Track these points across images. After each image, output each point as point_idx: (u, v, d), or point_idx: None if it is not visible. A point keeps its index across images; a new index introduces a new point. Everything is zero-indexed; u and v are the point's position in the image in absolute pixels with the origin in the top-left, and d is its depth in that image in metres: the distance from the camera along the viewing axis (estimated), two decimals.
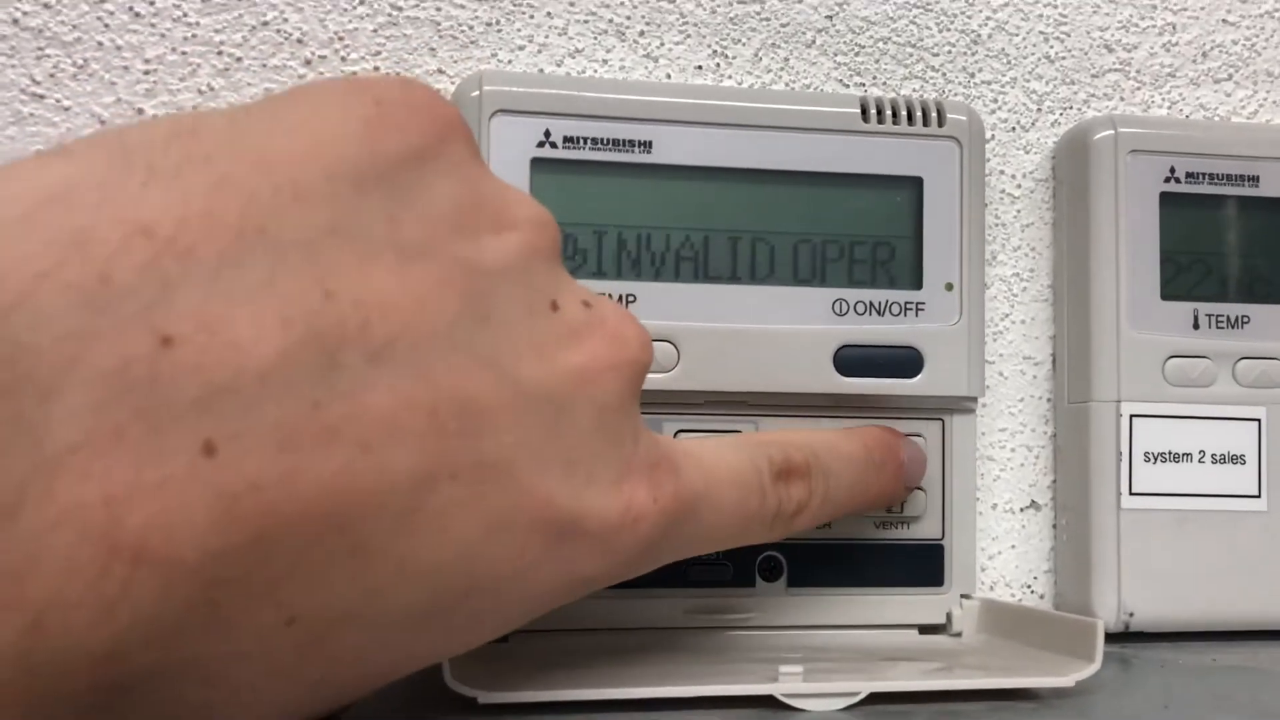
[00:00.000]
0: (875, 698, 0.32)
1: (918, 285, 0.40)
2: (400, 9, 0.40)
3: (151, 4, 0.39)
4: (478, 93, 0.38)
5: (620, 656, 0.36)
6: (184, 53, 0.39)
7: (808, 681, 0.32)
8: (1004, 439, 0.44)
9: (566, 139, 0.38)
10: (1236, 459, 0.42)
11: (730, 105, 0.39)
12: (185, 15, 0.39)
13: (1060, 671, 0.33)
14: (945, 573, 0.40)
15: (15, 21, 0.38)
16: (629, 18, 0.42)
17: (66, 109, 0.38)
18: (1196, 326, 0.42)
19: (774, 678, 0.33)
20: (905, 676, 0.33)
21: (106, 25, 0.38)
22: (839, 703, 0.32)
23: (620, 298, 0.38)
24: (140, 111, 0.38)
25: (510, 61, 0.41)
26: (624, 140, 0.38)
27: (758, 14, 0.43)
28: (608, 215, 0.38)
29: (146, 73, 0.39)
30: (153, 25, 0.39)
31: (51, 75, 0.38)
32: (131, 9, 0.39)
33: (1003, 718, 0.31)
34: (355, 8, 0.40)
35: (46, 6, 0.38)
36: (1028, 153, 0.44)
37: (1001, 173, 0.44)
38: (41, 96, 0.38)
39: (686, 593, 0.38)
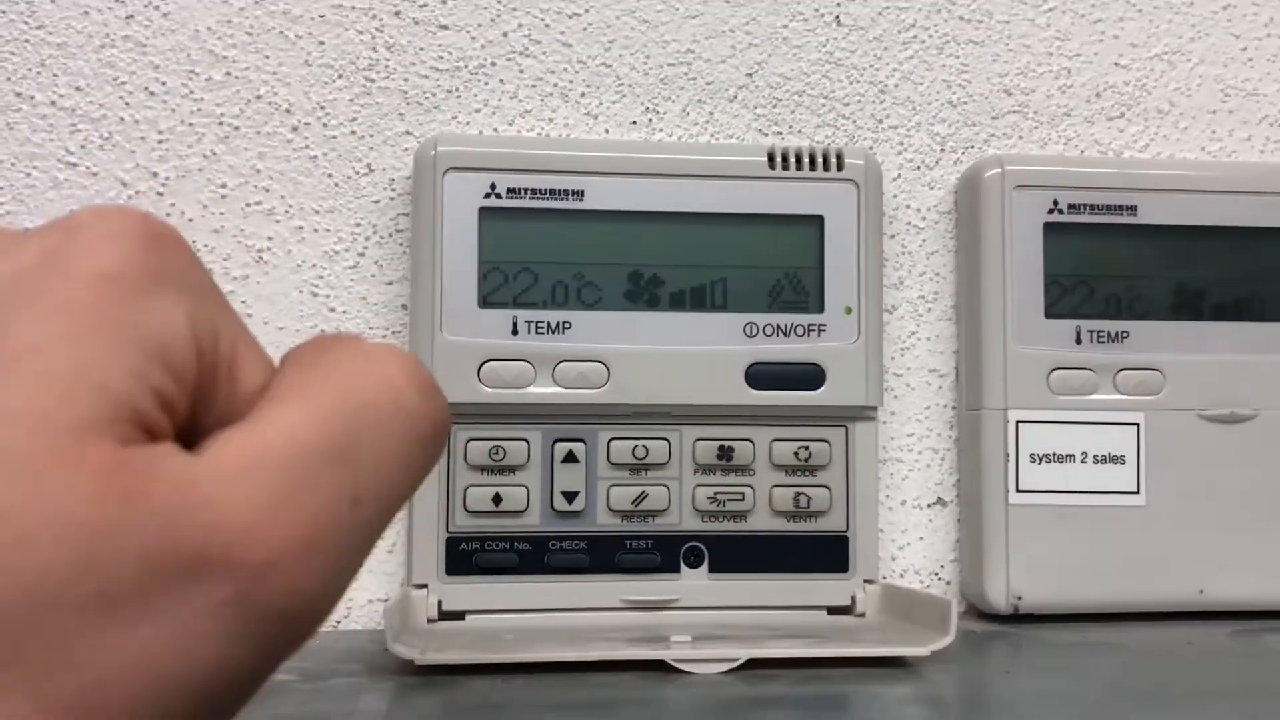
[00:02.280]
0: (754, 663, 0.38)
1: (820, 309, 0.46)
2: (373, 80, 0.47)
3: (163, 84, 0.46)
4: (433, 153, 0.44)
5: (557, 633, 0.42)
6: (190, 124, 0.46)
7: (694, 648, 0.38)
8: (912, 442, 0.49)
9: (510, 190, 0.45)
10: (1117, 459, 0.47)
11: (651, 157, 0.45)
12: (191, 92, 0.46)
13: (920, 643, 0.38)
14: (850, 561, 0.46)
15: (53, 103, 0.46)
16: (571, 81, 0.48)
17: (95, 174, 0.46)
18: (1079, 341, 0.47)
19: (667, 646, 0.39)
20: (784, 646, 0.39)
21: (127, 103, 0.46)
22: (720, 666, 0.38)
23: (558, 325, 0.44)
24: (155, 175, 0.46)
25: (469, 123, 0.48)
26: (559, 189, 0.45)
27: (685, 74, 0.49)
28: (546, 254, 0.45)
29: (160, 142, 0.46)
30: (164, 101, 0.46)
31: (82, 146, 0.46)
32: (147, 89, 0.46)
33: (862, 681, 0.37)
34: (334, 81, 0.47)
35: (78, 89, 0.46)
36: (932, 189, 0.50)
37: (908, 207, 0.50)
38: (74, 164, 0.46)
39: (619, 578, 0.45)
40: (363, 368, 0.19)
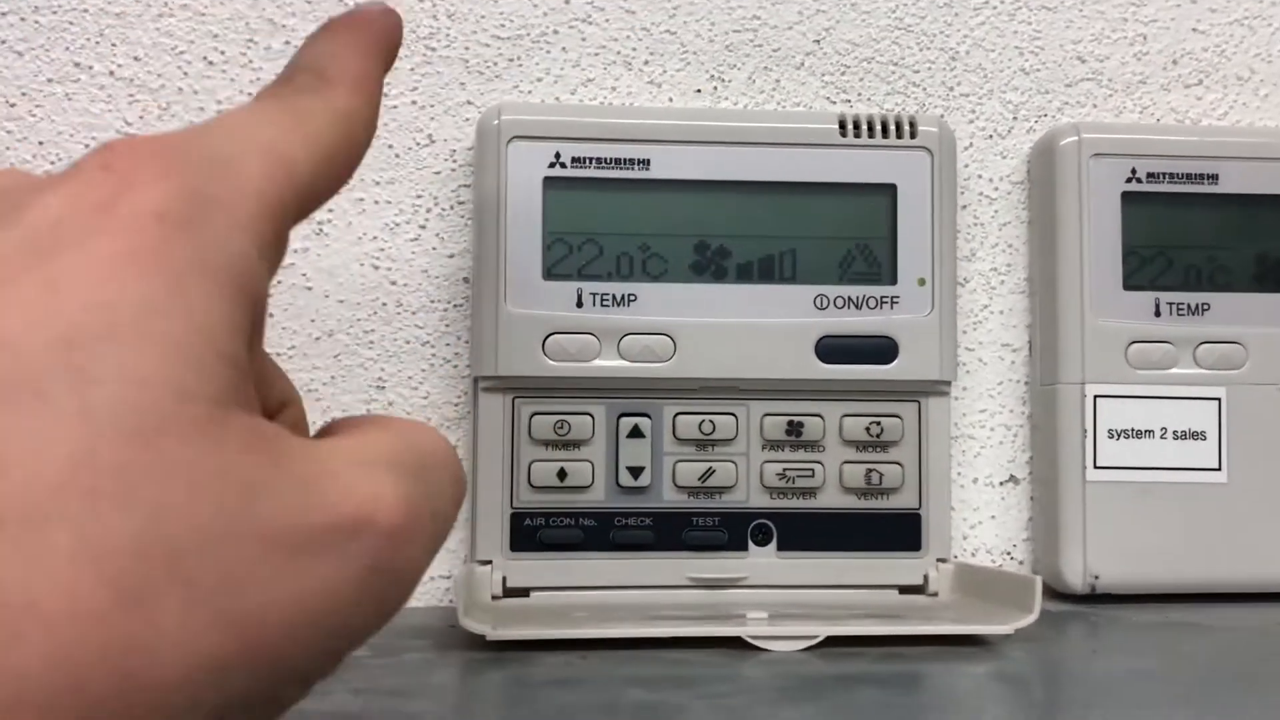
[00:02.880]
0: (832, 641, 0.37)
1: (893, 281, 0.44)
2: (434, 49, 0.46)
3: (222, 53, 0.45)
4: (497, 122, 0.43)
5: (623, 610, 0.41)
6: (250, 94, 0.45)
7: (771, 625, 0.37)
8: (984, 419, 0.48)
9: (574, 159, 0.44)
10: (1198, 435, 0.45)
11: (719, 125, 0.44)
12: (250, 61, 0.45)
13: (1004, 621, 0.37)
14: (922, 539, 0.45)
15: (111, 73, 0.45)
16: (634, 49, 0.47)
17: None
18: (1158, 314, 0.45)
19: (744, 623, 0.38)
20: (863, 624, 0.38)
21: (185, 73, 0.45)
22: (798, 644, 0.37)
23: (623, 298, 0.43)
24: None
25: (530, 92, 0.47)
26: (624, 159, 0.44)
27: (751, 40, 0.48)
28: (611, 225, 0.44)
29: (219, 112, 0.45)
30: (224, 71, 0.45)
31: (141, 117, 0.45)
32: (206, 58, 0.45)
33: (944, 660, 0.36)
34: None
35: (136, 59, 0.45)
36: (1004, 158, 0.48)
37: (980, 176, 0.48)
38: (133, 135, 0.45)
39: (685, 556, 0.44)
40: (418, 429, 0.22)
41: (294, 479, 0.18)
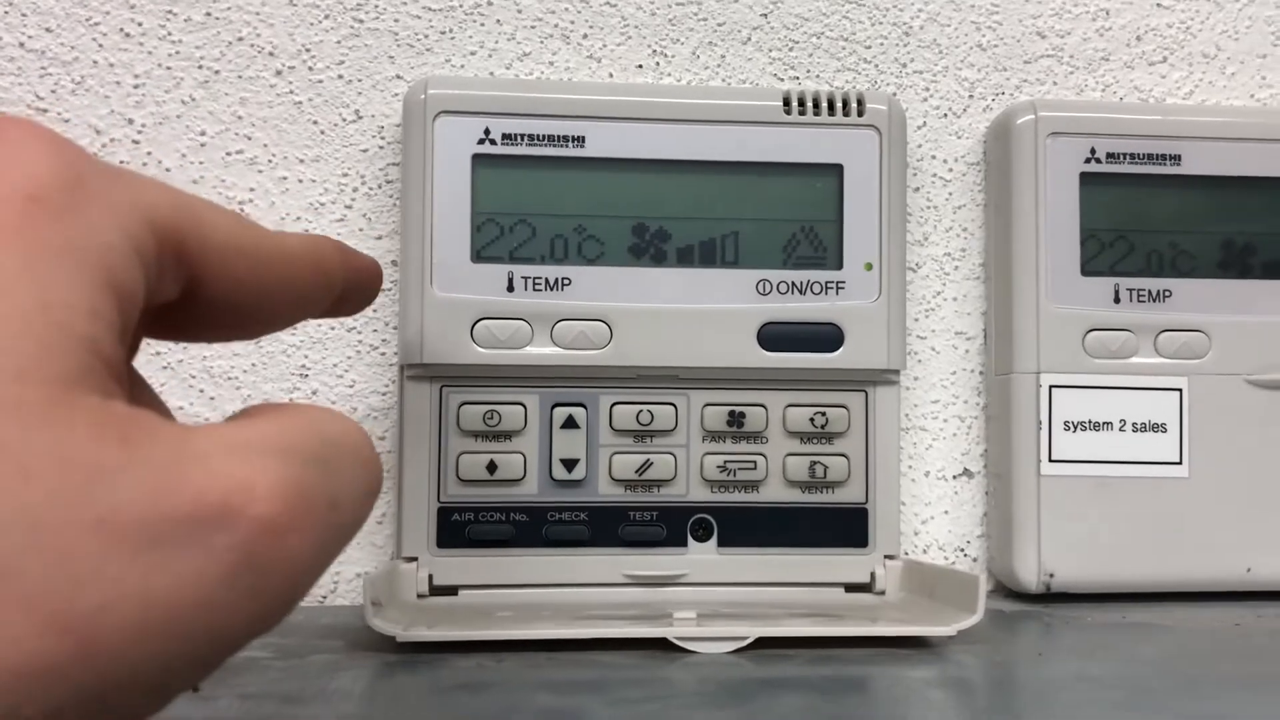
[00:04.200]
0: (764, 643, 0.35)
1: (839, 266, 0.42)
2: (361, 21, 0.44)
3: (139, 25, 0.43)
4: (423, 96, 0.41)
5: (554, 609, 0.39)
6: (168, 68, 0.43)
7: (699, 625, 0.36)
8: (937, 410, 0.46)
9: (505, 136, 0.42)
10: (1158, 427, 0.43)
11: (658, 101, 0.42)
12: (170, 34, 0.43)
13: (944, 622, 0.35)
14: (869, 535, 0.43)
15: (21, 45, 0.43)
16: (573, 21, 0.45)
17: (67, 121, 0.43)
18: (1117, 300, 0.44)
19: (670, 623, 0.36)
20: (796, 625, 0.36)
21: (100, 45, 0.43)
22: (727, 646, 0.35)
23: (557, 281, 0.41)
24: (130, 122, 0.43)
25: (463, 66, 0.45)
26: (558, 136, 0.42)
27: (695, 14, 0.46)
28: (544, 205, 0.42)
29: (136, 87, 0.43)
30: (140, 44, 0.43)
31: (53, 91, 0.43)
32: (122, 30, 0.43)
33: (881, 663, 0.34)
34: (320, 22, 0.44)
35: (48, 30, 0.43)
36: (959, 138, 0.46)
37: (934, 157, 0.46)
38: (45, 110, 0.43)
39: (622, 552, 0.42)
40: (328, 415, 0.20)
41: (149, 464, 0.16)
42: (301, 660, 0.34)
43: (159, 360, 0.43)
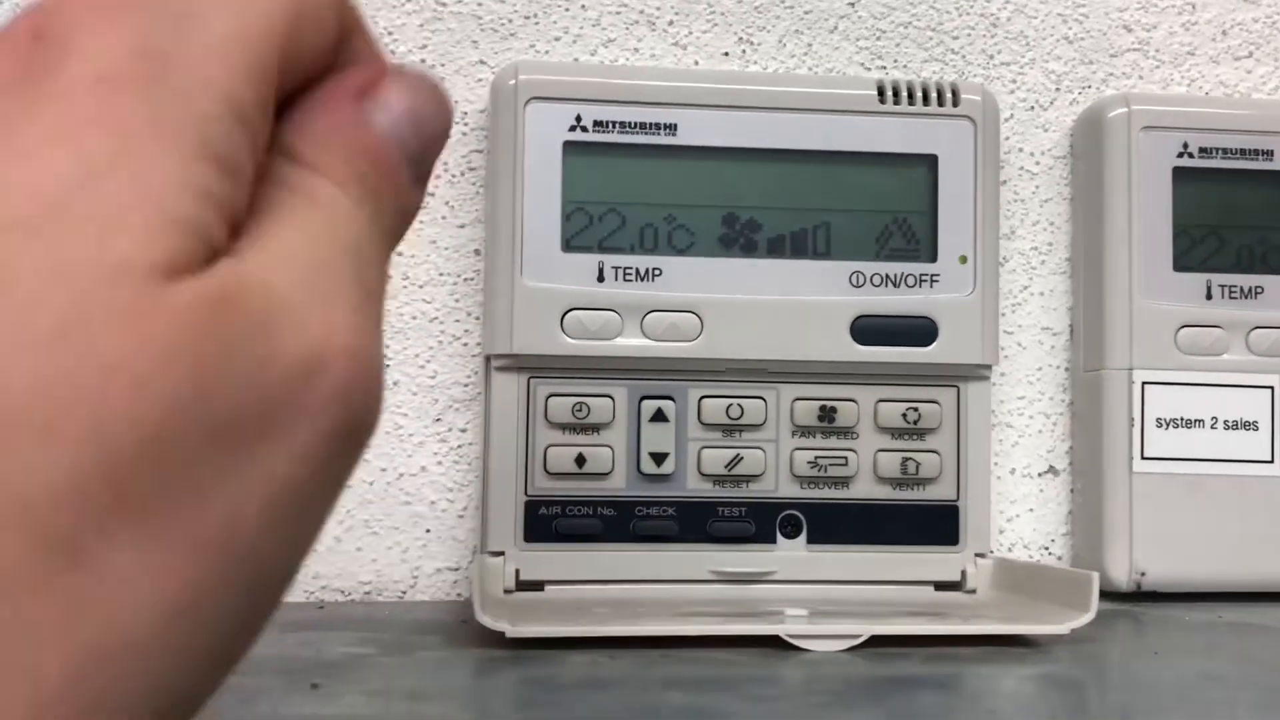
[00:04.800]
0: (876, 640, 0.34)
1: (933, 258, 0.42)
2: (444, 4, 0.43)
3: None
4: (514, 81, 0.40)
5: (644, 605, 0.39)
6: None
7: (812, 623, 0.35)
8: (1022, 406, 0.45)
9: (596, 123, 0.41)
10: (1249, 425, 0.43)
11: (751, 89, 0.42)
12: None
13: (1056, 620, 0.35)
14: (960, 532, 0.42)
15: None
16: (659, 8, 0.44)
17: None
18: (1209, 297, 0.43)
19: (782, 620, 0.35)
20: (907, 623, 0.36)
21: None
22: (841, 644, 0.34)
23: (647, 272, 0.40)
24: None
25: (547, 52, 0.44)
26: (650, 123, 0.41)
27: (781, 2, 0.45)
28: (635, 194, 0.41)
29: None
30: None
31: None
32: None
33: (997, 662, 0.33)
34: (403, 4, 0.43)
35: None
36: (1046, 131, 0.46)
37: (1020, 150, 0.46)
38: None
39: (710, 548, 0.41)
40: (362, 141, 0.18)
41: (249, 333, 0.15)
42: (411, 656, 0.33)
43: None
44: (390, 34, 0.43)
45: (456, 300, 0.43)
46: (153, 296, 0.14)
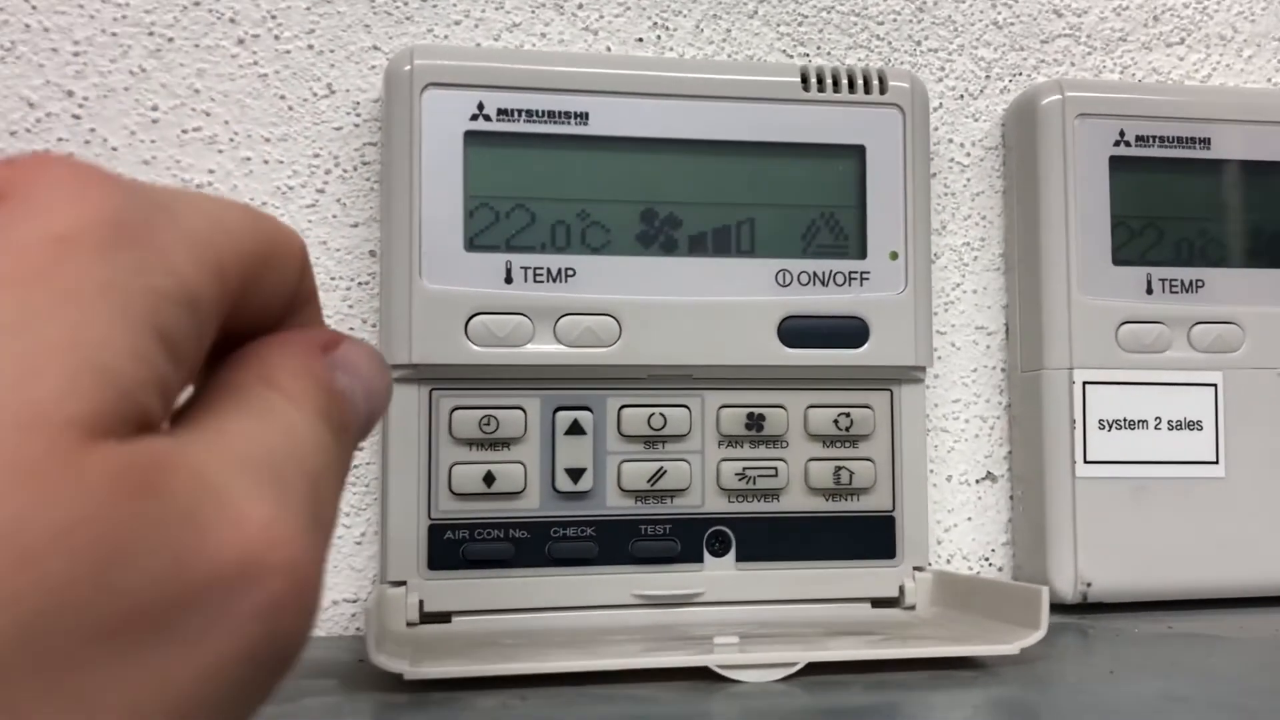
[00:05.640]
0: (813, 668, 0.31)
1: (862, 255, 0.39)
2: None
3: None
4: (409, 67, 0.37)
5: (561, 635, 0.35)
6: (114, 34, 0.38)
7: (744, 652, 0.32)
8: (958, 410, 0.43)
9: (500, 111, 0.38)
10: (1194, 425, 0.41)
11: (668, 76, 0.39)
12: None
13: (1005, 639, 0.32)
14: (897, 545, 0.39)
15: None
16: None
17: None
18: (1150, 291, 0.41)
19: (710, 650, 0.32)
20: (846, 647, 0.33)
21: (34, 7, 0.38)
22: (776, 673, 0.31)
23: (559, 272, 0.37)
24: (70, 94, 0.38)
25: (446, 37, 0.40)
26: (559, 112, 0.38)
27: None
28: (544, 188, 0.38)
29: (76, 54, 0.38)
30: (81, 6, 0.38)
31: None
32: None
33: (943, 687, 0.31)
34: None
35: None
36: (976, 120, 0.44)
37: (950, 141, 0.44)
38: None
39: (633, 570, 0.38)
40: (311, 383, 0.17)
41: (170, 518, 0.13)
42: (296, 704, 0.29)
43: None
44: (274, 18, 0.39)
45: (350, 306, 0.39)
46: (66, 454, 0.13)
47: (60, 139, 0.38)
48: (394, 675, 0.29)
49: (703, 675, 0.31)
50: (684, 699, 0.29)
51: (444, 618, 0.37)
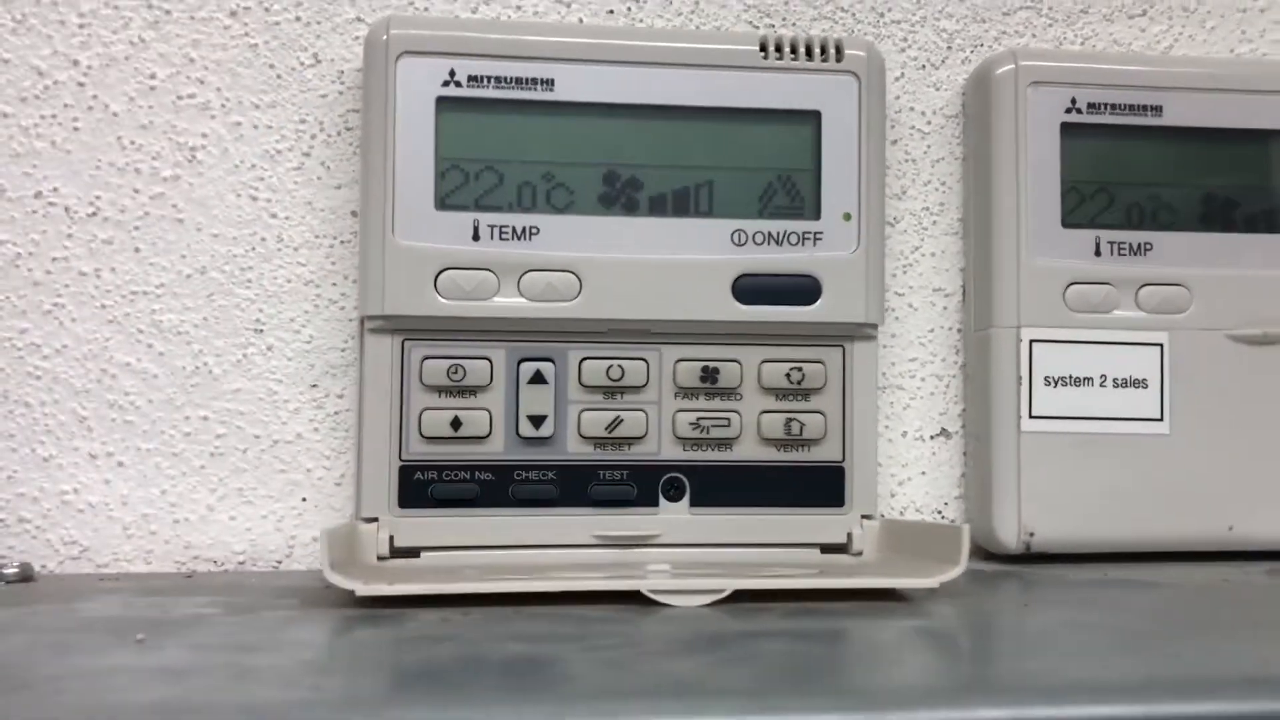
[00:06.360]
0: (742, 597, 0.33)
1: (816, 216, 0.41)
2: None
3: None
4: (385, 36, 0.39)
5: (521, 570, 0.38)
6: (116, 6, 0.41)
7: (674, 579, 0.34)
8: (914, 368, 0.45)
9: (471, 78, 0.40)
10: (1139, 383, 0.42)
11: (631, 44, 0.41)
12: None
13: (927, 574, 0.34)
14: (846, 494, 0.41)
15: None
16: None
17: (6, 61, 0.41)
18: (1098, 254, 0.43)
19: (644, 576, 0.34)
20: (773, 578, 0.35)
21: None
22: (703, 599, 0.33)
23: (524, 231, 0.40)
24: (75, 63, 0.41)
25: (426, 8, 0.43)
26: (526, 78, 0.40)
27: None
28: (511, 151, 0.40)
29: (81, 26, 0.41)
30: None
31: None
32: None
33: (864, 615, 0.33)
34: None
35: None
36: (938, 90, 0.45)
37: (911, 109, 0.45)
38: None
39: (591, 512, 0.40)
40: None
41: None
42: (255, 615, 0.32)
43: (104, 314, 0.41)
44: None
45: (333, 263, 0.42)
46: None
47: (66, 104, 0.41)
48: (348, 593, 0.32)
49: (640, 601, 0.33)
50: (615, 619, 0.32)
51: (414, 553, 0.39)
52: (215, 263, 0.41)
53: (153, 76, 0.41)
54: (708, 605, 0.33)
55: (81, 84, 0.41)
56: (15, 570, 0.38)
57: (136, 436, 0.41)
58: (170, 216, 0.41)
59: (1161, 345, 0.43)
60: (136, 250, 0.41)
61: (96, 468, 0.40)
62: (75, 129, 0.41)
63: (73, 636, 0.29)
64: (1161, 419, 0.42)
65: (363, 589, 0.32)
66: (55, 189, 0.41)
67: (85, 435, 0.41)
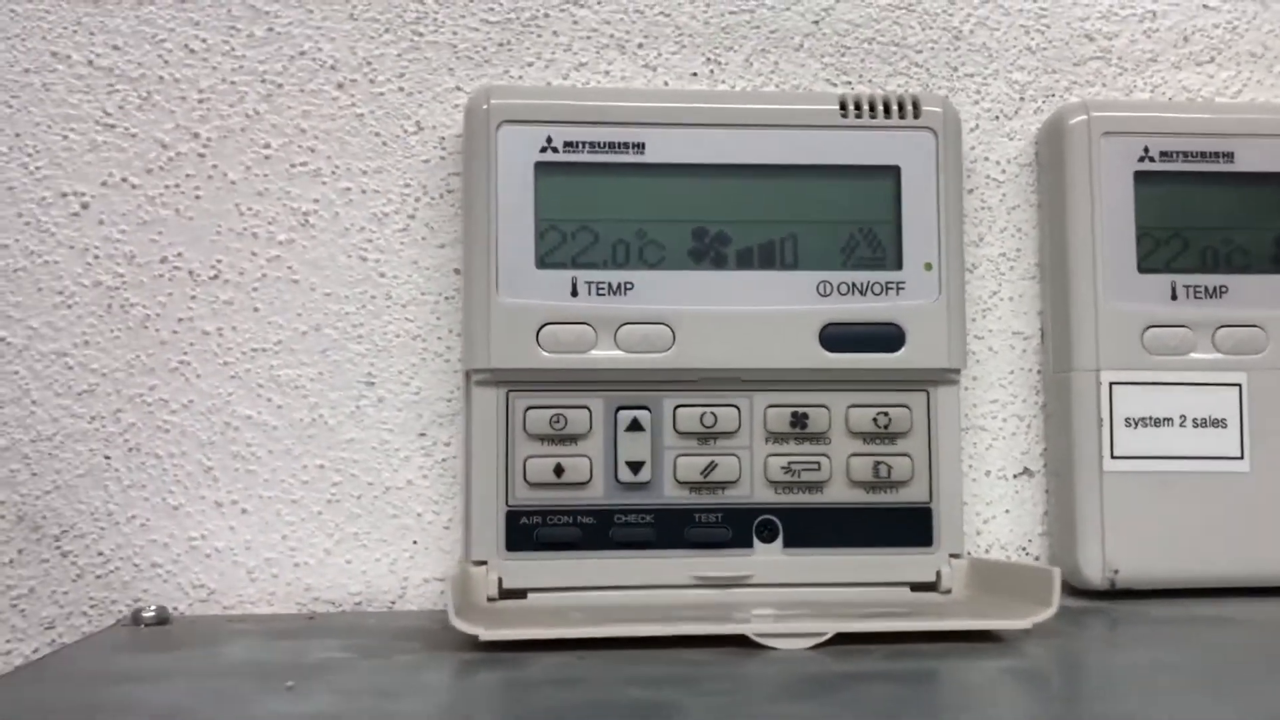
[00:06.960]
0: (841, 638, 0.35)
1: (898, 266, 0.43)
2: (421, 34, 0.45)
3: (204, 41, 0.44)
4: (486, 106, 0.42)
5: (624, 611, 0.40)
6: (232, 82, 0.44)
7: (777, 622, 0.36)
8: (995, 409, 0.46)
9: (566, 143, 0.42)
10: (1218, 423, 0.44)
11: (716, 107, 0.43)
12: (233, 49, 0.44)
13: (1019, 615, 0.36)
14: (933, 534, 0.43)
15: (90, 62, 0.44)
16: (628, 31, 0.46)
17: (134, 135, 0.44)
18: (1174, 297, 0.44)
19: (748, 620, 0.36)
20: (873, 621, 0.36)
21: (166, 61, 0.44)
22: (806, 641, 0.35)
23: (620, 286, 0.42)
24: (196, 136, 0.44)
25: (521, 77, 0.45)
26: (618, 143, 0.42)
27: (748, 22, 0.46)
28: (606, 211, 0.42)
29: (201, 101, 0.44)
30: (205, 60, 0.44)
31: (120, 107, 0.44)
32: (187, 46, 0.44)
33: (961, 656, 0.34)
34: (380, 35, 0.45)
35: (115, 48, 0.44)
36: (1011, 140, 0.47)
37: (986, 159, 0.47)
38: (112, 126, 0.44)
39: (688, 554, 0.42)
40: None
41: None
42: (387, 659, 0.34)
43: (226, 370, 0.43)
44: (369, 64, 0.45)
45: (438, 318, 0.44)
46: None
47: (188, 174, 0.44)
48: (471, 639, 0.34)
49: (745, 644, 0.35)
50: (722, 663, 0.33)
51: (521, 594, 0.41)
52: (328, 320, 0.44)
53: (267, 146, 0.44)
54: (810, 648, 0.35)
55: (202, 155, 0.44)
56: (153, 614, 0.40)
57: (258, 485, 0.43)
58: (286, 278, 0.44)
59: (1240, 385, 0.44)
60: (255, 310, 0.44)
61: (222, 515, 0.43)
62: (197, 197, 0.44)
63: (225, 683, 0.31)
64: (1242, 457, 0.43)
65: (485, 634, 0.34)
66: (180, 254, 0.44)
67: (211, 485, 0.43)
